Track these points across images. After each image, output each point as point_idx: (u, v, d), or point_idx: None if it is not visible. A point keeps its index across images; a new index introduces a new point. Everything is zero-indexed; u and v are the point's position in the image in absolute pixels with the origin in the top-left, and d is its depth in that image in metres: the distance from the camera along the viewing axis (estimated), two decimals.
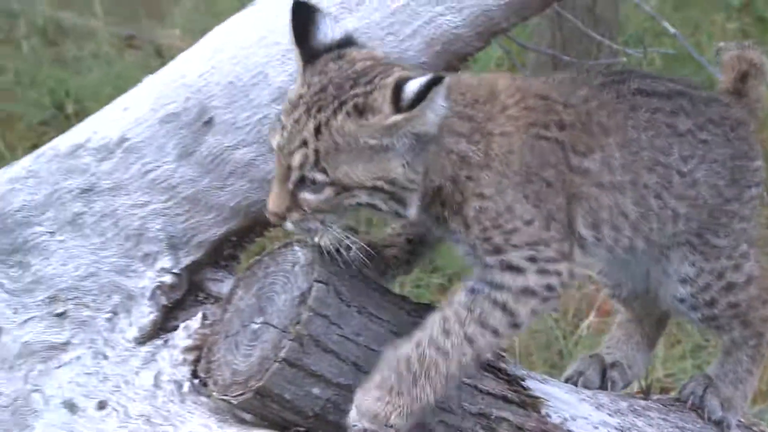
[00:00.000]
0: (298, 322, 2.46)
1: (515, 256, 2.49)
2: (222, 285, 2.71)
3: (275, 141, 2.38)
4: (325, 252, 2.45)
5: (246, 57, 2.69)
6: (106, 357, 2.68)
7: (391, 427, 2.41)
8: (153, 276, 2.70)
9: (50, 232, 2.72)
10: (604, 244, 2.64)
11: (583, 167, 2.58)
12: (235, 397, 2.49)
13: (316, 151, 2.34)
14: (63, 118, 6.15)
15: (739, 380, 2.92)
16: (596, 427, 2.68)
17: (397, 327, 2.55)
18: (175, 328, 2.69)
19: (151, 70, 2.82)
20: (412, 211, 2.45)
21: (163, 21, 7.48)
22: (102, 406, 2.65)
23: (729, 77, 2.94)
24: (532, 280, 2.49)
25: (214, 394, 2.53)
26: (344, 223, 2.46)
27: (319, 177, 2.36)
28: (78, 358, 2.69)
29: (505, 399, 2.63)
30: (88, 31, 7.10)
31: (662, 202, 2.71)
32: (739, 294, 2.85)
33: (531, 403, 2.65)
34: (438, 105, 2.33)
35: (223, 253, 2.73)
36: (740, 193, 2.82)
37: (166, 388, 2.62)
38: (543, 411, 2.65)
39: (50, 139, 2.83)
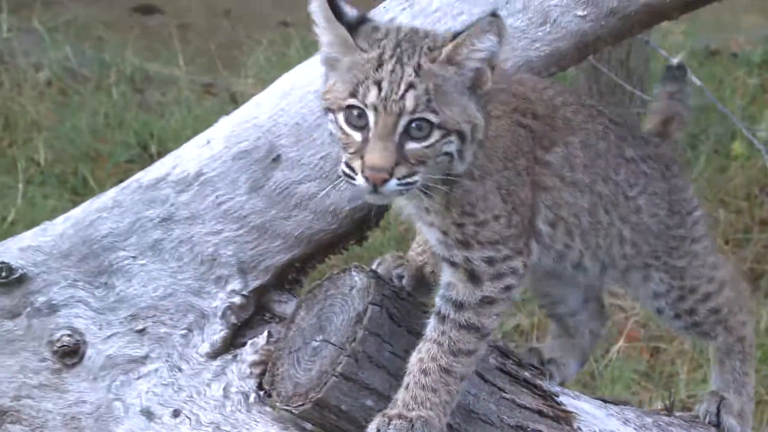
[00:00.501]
0: (354, 340, 2.47)
1: (477, 257, 2.44)
2: (286, 306, 2.71)
3: (371, 98, 2.25)
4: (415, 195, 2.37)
5: (311, 101, 2.68)
6: (180, 370, 2.68)
7: None
8: (224, 297, 2.70)
9: (133, 257, 2.73)
10: (555, 249, 2.58)
11: (547, 159, 2.51)
12: (296, 407, 2.49)
13: (427, 90, 2.26)
14: (147, 157, 6.16)
15: (742, 386, 2.91)
16: None
17: None
18: (243, 344, 2.69)
19: (227, 114, 2.83)
20: (465, 166, 2.36)
21: (238, 71, 7.51)
22: (176, 414, 2.65)
23: (655, 121, 2.90)
24: (489, 288, 2.45)
25: (278, 404, 2.54)
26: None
27: (432, 117, 2.26)
28: (156, 370, 2.69)
29: (540, 413, 2.61)
30: (171, 79, 7.13)
31: (609, 218, 2.64)
32: (717, 299, 2.83)
33: (564, 417, 2.63)
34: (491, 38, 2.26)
35: (288, 278, 2.73)
36: (682, 221, 2.80)
37: (234, 398, 2.62)
38: (575, 425, 2.63)
39: None
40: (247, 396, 2.61)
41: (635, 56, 6.47)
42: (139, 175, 2.80)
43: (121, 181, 2.85)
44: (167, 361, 2.69)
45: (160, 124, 6.52)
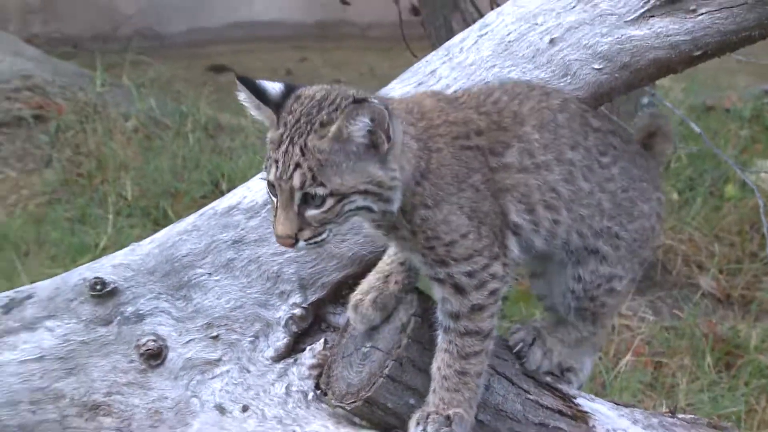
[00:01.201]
0: (399, 347, 2.48)
1: (457, 272, 2.40)
2: (340, 317, 2.71)
3: (271, 175, 2.27)
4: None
5: None
6: (248, 371, 2.68)
7: None
8: (287, 309, 2.71)
9: (209, 273, 2.74)
10: (543, 228, 2.48)
11: (503, 163, 2.43)
12: (348, 404, 2.51)
13: (310, 169, 2.23)
14: (218, 193, 6.18)
15: (565, 342, 2.73)
16: None
17: None
18: (303, 350, 2.69)
19: None
20: (395, 206, 2.33)
21: None
22: (245, 409, 2.65)
23: (640, 135, 2.76)
24: (475, 297, 2.42)
25: (332, 401, 2.55)
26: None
27: (320, 191, 2.24)
28: (227, 371, 2.69)
29: (560, 412, 2.61)
30: (239, 127, 7.17)
31: (589, 185, 2.51)
32: (613, 299, 2.67)
33: (581, 417, 2.62)
34: (360, 121, 2.24)
35: (342, 293, 2.72)
36: (650, 217, 2.66)
37: (295, 396, 2.62)
38: (590, 423, 2.62)
39: None
40: (306, 394, 2.62)
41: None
42: (215, 203, 2.82)
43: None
44: (237, 363, 2.70)
45: (230, 165, 6.55)
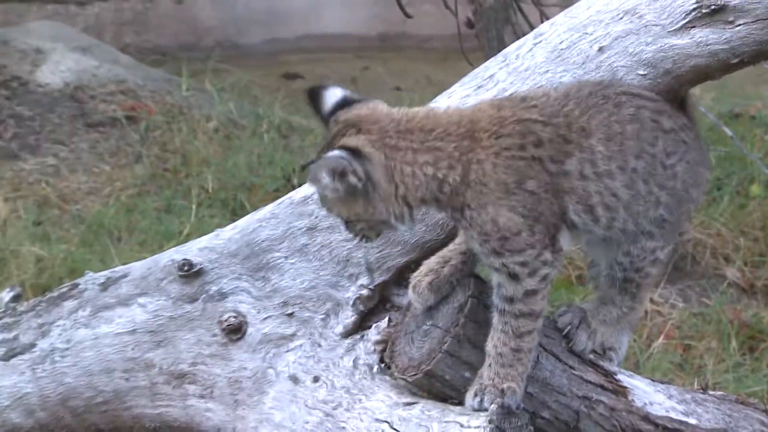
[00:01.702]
0: (457, 325, 2.47)
1: (511, 262, 2.38)
2: (403, 298, 2.69)
3: None
4: None
5: None
6: (320, 345, 2.68)
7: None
8: (355, 290, 2.70)
9: (285, 257, 2.74)
10: (602, 223, 2.45)
11: (563, 170, 2.40)
12: (410, 376, 2.49)
13: (321, 198, 2.43)
14: (290, 187, 6.18)
15: (607, 322, 2.65)
16: (667, 411, 2.61)
17: None
18: (369, 327, 2.68)
19: None
20: (404, 227, 2.43)
21: None
22: (316, 380, 2.65)
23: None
24: (529, 283, 2.39)
25: (395, 374, 2.54)
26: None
27: (336, 215, 2.45)
28: (300, 345, 2.70)
29: (602, 387, 2.58)
30: (308, 129, 7.18)
31: (648, 187, 2.46)
32: (653, 269, 2.58)
33: (621, 391, 2.60)
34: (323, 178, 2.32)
35: (405, 276, 2.70)
36: (698, 196, 2.60)
37: (362, 368, 2.61)
38: (629, 397, 2.59)
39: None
40: (371, 367, 2.61)
41: None
42: (291, 193, 2.83)
43: None
44: (310, 338, 2.70)
45: (300, 162, 6.55)
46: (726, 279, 5.70)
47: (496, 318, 2.43)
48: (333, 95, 2.46)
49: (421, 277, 2.56)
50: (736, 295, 5.62)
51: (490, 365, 2.42)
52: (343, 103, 2.44)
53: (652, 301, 5.37)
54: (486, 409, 2.36)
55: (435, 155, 2.37)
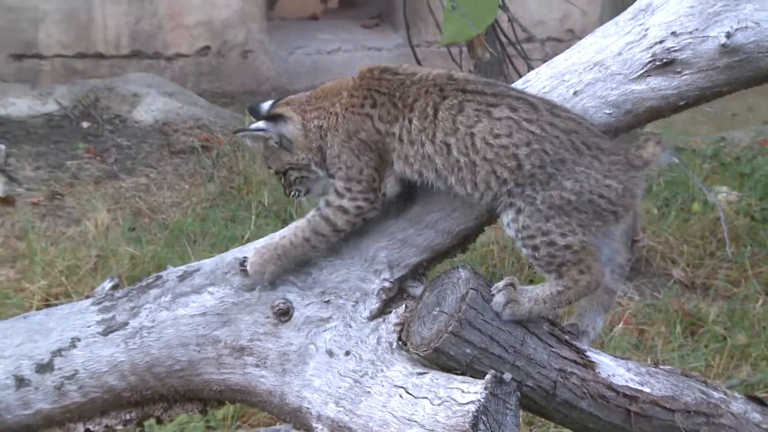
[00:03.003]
0: (459, 311, 2.43)
1: (339, 185, 2.55)
2: (417, 289, 2.66)
3: None
4: None
5: None
6: (350, 326, 2.65)
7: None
8: (379, 283, 2.66)
9: (323, 256, 2.70)
10: (427, 179, 2.51)
11: (389, 131, 2.51)
12: (422, 352, 2.46)
13: (264, 158, 2.67)
14: None
15: (535, 300, 2.48)
16: (626, 381, 2.58)
17: None
18: (390, 312, 2.64)
19: None
20: (321, 172, 2.63)
21: None
22: (347, 353, 2.61)
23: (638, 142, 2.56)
24: (346, 203, 2.54)
25: (411, 350, 2.50)
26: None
27: (272, 172, 2.70)
28: (335, 326, 2.66)
29: (575, 362, 2.54)
30: None
31: (469, 158, 2.42)
32: (556, 251, 2.42)
33: (590, 365, 2.56)
34: (256, 137, 2.64)
35: (419, 271, 2.69)
36: (576, 186, 2.40)
37: (384, 345, 2.57)
38: (596, 370, 2.55)
39: None
40: (391, 344, 2.57)
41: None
42: None
43: None
44: (342, 320, 2.66)
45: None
46: (672, 277, 5.71)
47: (310, 213, 2.62)
48: (266, 104, 2.71)
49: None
50: (680, 290, 5.64)
51: (283, 236, 2.66)
52: (274, 104, 2.69)
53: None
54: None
55: (319, 112, 2.60)
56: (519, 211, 2.42)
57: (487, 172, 2.42)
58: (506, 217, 2.46)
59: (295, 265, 2.66)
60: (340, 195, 2.55)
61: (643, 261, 5.87)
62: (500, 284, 2.49)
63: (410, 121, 2.48)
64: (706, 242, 5.99)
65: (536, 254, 2.45)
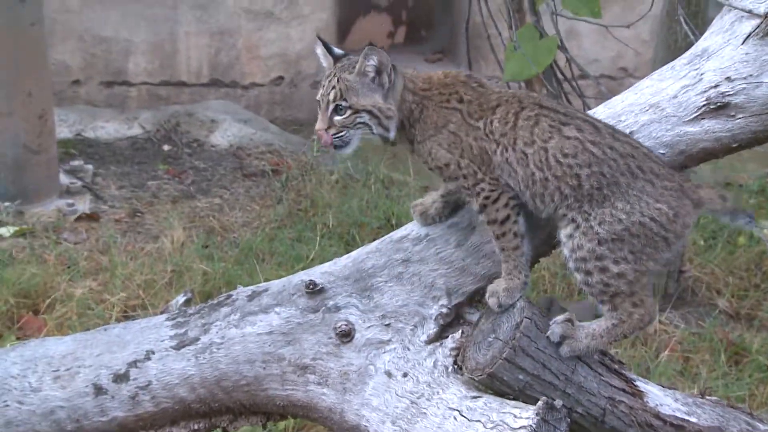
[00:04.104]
0: (514, 339, 2.38)
1: (458, 185, 2.48)
2: (473, 316, 2.62)
3: (319, 94, 2.48)
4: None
5: None
6: (409, 349, 2.61)
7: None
8: (437, 308, 2.63)
9: (385, 281, 2.68)
10: (513, 181, 2.44)
11: (475, 125, 2.43)
12: (477, 377, 2.43)
13: (341, 90, 2.43)
14: (390, 226, 6.16)
15: (592, 335, 2.42)
16: (674, 411, 2.51)
17: None
18: (447, 337, 2.60)
19: None
20: (392, 134, 2.48)
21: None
22: (405, 375, 2.58)
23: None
24: (477, 201, 2.46)
25: (466, 374, 2.47)
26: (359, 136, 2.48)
27: (343, 103, 2.43)
28: (394, 348, 2.63)
29: (624, 390, 2.48)
30: (404, 182, 7.14)
31: (543, 174, 2.37)
32: (609, 279, 2.35)
33: (638, 394, 2.49)
34: (371, 60, 2.44)
35: (475, 299, 2.64)
36: (616, 207, 2.36)
37: (440, 368, 2.53)
38: (644, 399, 2.49)
39: (382, 237, 2.83)
40: (447, 368, 2.53)
41: None
42: (392, 233, 2.76)
43: (374, 239, 2.84)
44: (401, 343, 2.63)
45: (398, 208, 6.53)
46: (718, 307, 5.58)
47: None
48: (338, 51, 2.57)
49: (425, 206, 2.68)
50: (725, 320, 5.50)
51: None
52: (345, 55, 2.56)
53: (660, 322, 5.26)
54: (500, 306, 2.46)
55: (413, 95, 2.49)
56: (577, 226, 2.36)
57: (554, 188, 2.37)
58: (564, 231, 2.39)
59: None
60: (469, 196, 2.47)
61: (690, 291, 5.74)
62: (559, 318, 2.43)
63: (491, 122, 2.42)
64: (751, 274, 5.84)
65: (589, 280, 2.37)
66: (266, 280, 5.14)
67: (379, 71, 2.44)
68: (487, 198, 2.43)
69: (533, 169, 2.38)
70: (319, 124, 2.45)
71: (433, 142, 2.46)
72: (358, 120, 2.44)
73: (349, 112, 2.43)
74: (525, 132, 2.39)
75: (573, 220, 2.37)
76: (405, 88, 2.48)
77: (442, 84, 2.51)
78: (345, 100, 2.42)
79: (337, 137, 2.44)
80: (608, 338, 2.43)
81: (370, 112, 2.43)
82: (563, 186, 2.36)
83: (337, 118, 2.43)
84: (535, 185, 2.39)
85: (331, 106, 2.44)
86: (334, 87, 2.44)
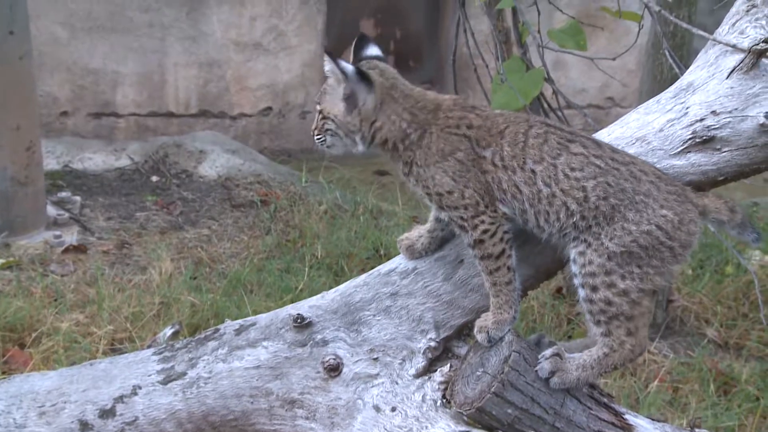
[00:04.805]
0: (502, 373, 2.37)
1: (454, 216, 2.42)
2: (462, 349, 2.61)
3: (317, 98, 2.49)
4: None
5: None
6: (397, 383, 2.60)
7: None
8: (425, 342, 2.61)
9: (373, 315, 2.66)
10: (517, 209, 2.40)
11: (482, 154, 2.38)
12: (465, 411, 2.41)
13: (320, 92, 2.46)
14: (378, 257, 6.17)
15: (582, 366, 2.39)
16: None
17: None
18: (435, 370, 2.59)
19: None
20: (360, 148, 2.46)
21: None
22: (393, 409, 2.56)
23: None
24: (473, 234, 2.41)
25: (454, 408, 2.45)
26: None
27: (318, 106, 2.46)
28: (382, 382, 2.61)
29: (613, 424, 2.46)
30: (393, 212, 7.14)
31: (550, 189, 2.34)
32: (613, 297, 2.31)
33: (627, 428, 2.48)
34: (334, 74, 2.40)
35: (464, 332, 2.63)
36: (626, 218, 2.33)
37: (428, 402, 2.52)
38: None
39: (370, 268, 2.82)
40: (435, 402, 2.51)
41: None
42: (379, 267, 2.75)
43: (363, 270, 2.83)
44: (389, 377, 2.61)
45: (387, 238, 6.51)
46: (706, 337, 5.57)
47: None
48: (373, 50, 2.54)
49: (411, 240, 2.65)
50: (713, 350, 5.49)
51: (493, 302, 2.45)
52: (375, 58, 2.51)
53: (649, 351, 5.24)
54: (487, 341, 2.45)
55: (412, 117, 2.42)
56: (588, 245, 2.33)
57: (560, 203, 2.34)
58: (573, 251, 2.36)
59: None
60: (462, 228, 2.42)
61: (678, 320, 5.73)
62: (547, 352, 2.40)
63: (502, 147, 2.38)
64: (739, 303, 5.85)
65: (593, 297, 2.32)
66: (254, 311, 5.15)
67: (339, 80, 2.40)
68: (485, 232, 2.39)
69: (540, 185, 2.35)
70: (312, 125, 2.51)
71: (437, 169, 2.39)
72: (326, 126, 2.46)
73: (320, 115, 2.47)
74: (534, 150, 2.37)
75: (584, 241, 2.34)
76: (395, 107, 2.42)
77: (449, 108, 2.45)
78: (319, 102, 2.46)
79: (316, 138, 2.49)
80: (599, 369, 2.40)
81: (332, 121, 2.44)
82: (569, 201, 2.33)
83: (317, 119, 2.48)
84: (540, 203, 2.36)
85: (317, 109, 2.49)
86: (319, 93, 2.51)
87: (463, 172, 2.38)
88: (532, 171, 2.36)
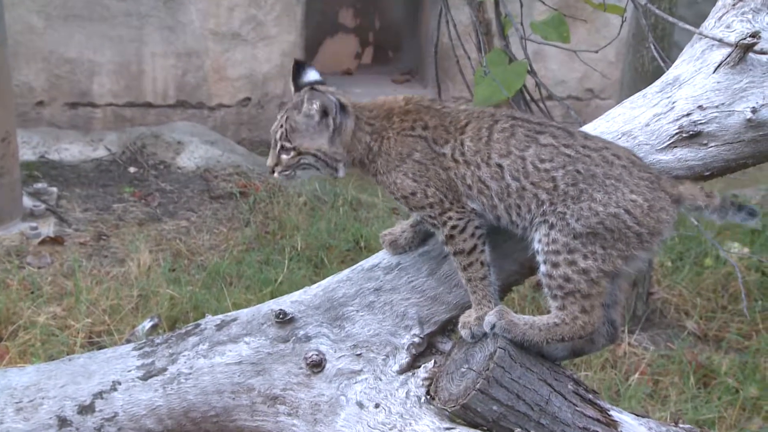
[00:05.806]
0: (487, 369, 2.35)
1: (424, 215, 2.43)
2: (446, 345, 2.59)
3: (271, 129, 2.46)
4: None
5: None
6: (381, 379, 2.57)
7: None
8: (409, 338, 2.59)
9: (356, 311, 2.64)
10: (487, 206, 2.39)
11: (440, 152, 2.39)
12: (449, 408, 2.39)
13: (286, 130, 2.41)
14: (358, 249, 6.15)
15: (530, 325, 2.37)
16: None
17: (542, 376, 2.41)
18: (419, 367, 2.57)
19: None
20: (342, 173, 2.46)
21: None
22: (377, 406, 2.54)
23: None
24: (444, 231, 2.42)
25: (438, 405, 2.42)
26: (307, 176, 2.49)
27: (287, 144, 2.41)
28: (366, 379, 2.59)
29: (598, 420, 2.45)
30: (373, 204, 7.13)
31: (519, 183, 2.33)
32: (572, 274, 2.30)
33: (612, 424, 2.46)
34: (313, 104, 2.40)
35: (448, 328, 2.61)
36: (594, 199, 2.32)
37: (412, 399, 2.50)
38: (619, 429, 2.46)
39: (350, 260, 2.79)
40: (419, 398, 2.49)
41: None
42: (363, 262, 2.72)
43: (343, 263, 2.82)
44: (373, 373, 2.59)
45: (367, 230, 6.51)
46: (686, 329, 5.61)
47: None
48: (313, 74, 2.55)
49: (394, 235, 2.63)
50: (693, 342, 5.53)
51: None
52: (317, 83, 2.52)
53: (629, 344, 5.26)
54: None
55: (371, 128, 2.44)
56: (552, 226, 2.31)
57: (531, 195, 2.33)
58: (538, 234, 2.34)
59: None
60: (434, 226, 2.43)
61: (658, 312, 5.76)
62: (491, 311, 2.39)
63: (462, 143, 2.38)
64: (719, 296, 5.88)
65: (553, 272, 2.31)
66: (234, 303, 5.12)
67: (324, 113, 2.42)
68: (454, 227, 2.39)
69: (509, 180, 2.34)
70: (269, 161, 2.48)
71: (398, 173, 2.41)
72: (303, 161, 2.43)
73: (293, 153, 2.43)
74: (500, 144, 2.36)
75: (547, 222, 2.32)
76: (359, 124, 2.44)
77: (403, 111, 2.46)
78: (289, 141, 2.42)
79: (284, 174, 2.45)
80: (546, 334, 2.37)
81: (315, 156, 2.43)
82: (540, 192, 2.32)
83: (283, 157, 2.43)
84: (510, 197, 2.35)
85: (278, 145, 2.44)
86: (281, 126, 2.45)
87: (422, 171, 2.40)
88: (499, 165, 2.35)
